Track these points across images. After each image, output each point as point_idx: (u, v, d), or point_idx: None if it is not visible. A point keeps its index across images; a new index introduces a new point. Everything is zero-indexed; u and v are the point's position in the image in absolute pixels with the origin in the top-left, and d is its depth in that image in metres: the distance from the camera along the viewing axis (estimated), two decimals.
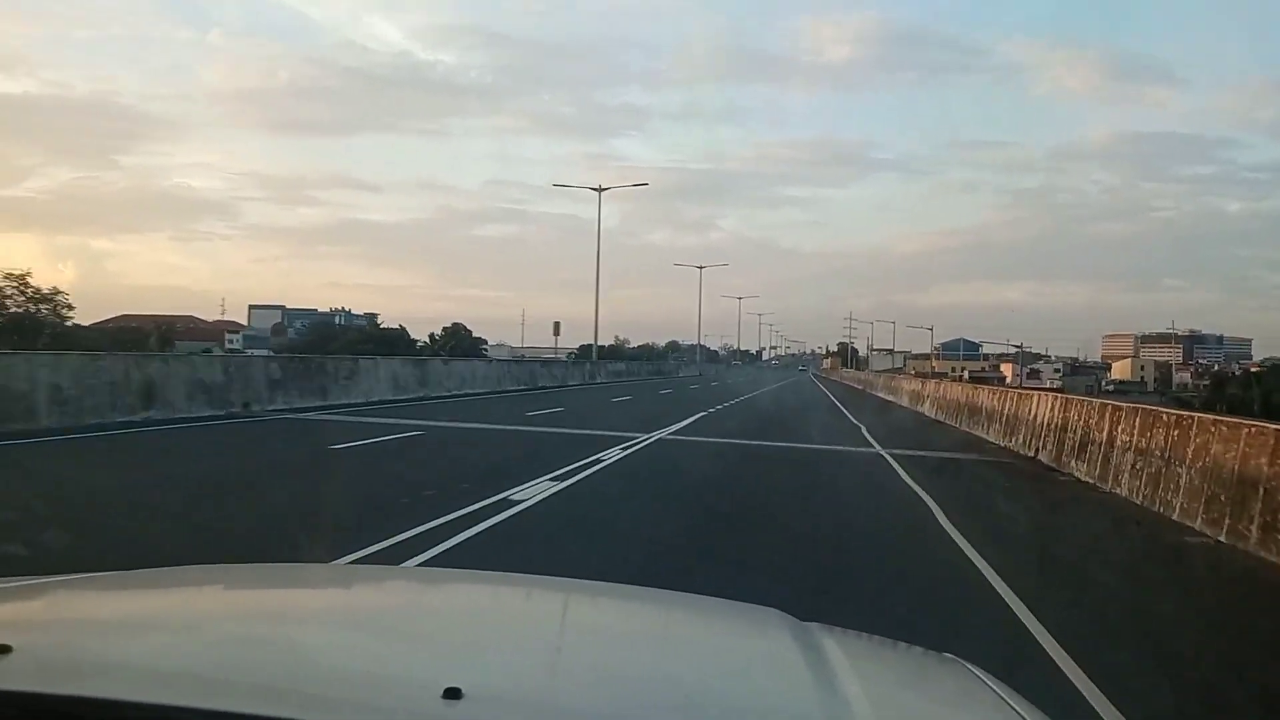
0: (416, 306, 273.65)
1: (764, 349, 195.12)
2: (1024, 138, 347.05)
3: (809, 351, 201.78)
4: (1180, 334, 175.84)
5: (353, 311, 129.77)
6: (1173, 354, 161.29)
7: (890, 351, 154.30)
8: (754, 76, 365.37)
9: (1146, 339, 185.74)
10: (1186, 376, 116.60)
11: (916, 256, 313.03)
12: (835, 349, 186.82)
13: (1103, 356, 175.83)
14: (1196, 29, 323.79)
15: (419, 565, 6.20)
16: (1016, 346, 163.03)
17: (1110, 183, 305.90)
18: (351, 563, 6.11)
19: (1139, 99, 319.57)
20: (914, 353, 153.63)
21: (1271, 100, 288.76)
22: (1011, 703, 1.45)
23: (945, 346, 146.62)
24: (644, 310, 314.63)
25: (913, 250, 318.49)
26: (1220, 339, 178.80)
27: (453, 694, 1.07)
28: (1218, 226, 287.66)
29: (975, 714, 1.48)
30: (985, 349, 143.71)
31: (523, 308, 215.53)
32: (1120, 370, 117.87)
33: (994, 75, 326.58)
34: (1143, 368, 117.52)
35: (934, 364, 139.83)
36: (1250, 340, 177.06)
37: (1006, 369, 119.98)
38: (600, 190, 52.10)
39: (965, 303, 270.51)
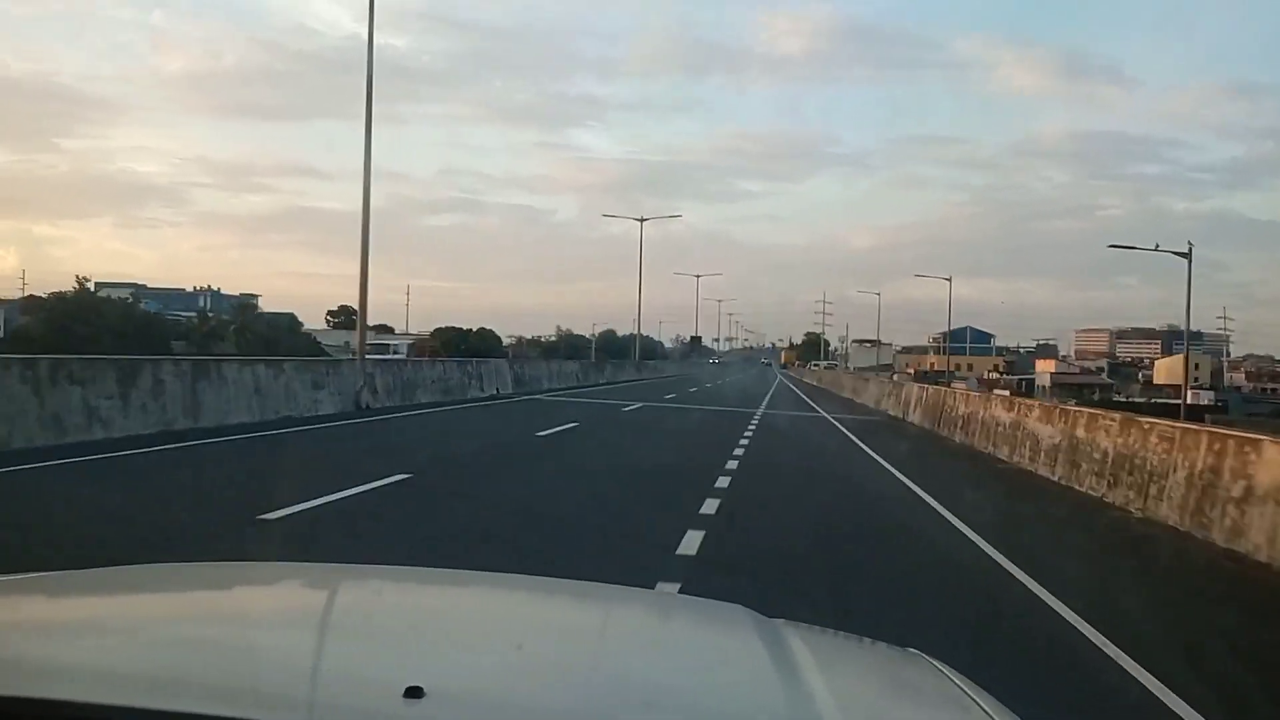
0: (370, 296, 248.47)
1: (699, 337, 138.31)
2: (979, 134, 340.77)
3: (768, 345, 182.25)
4: (1159, 329, 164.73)
5: (222, 291, 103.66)
6: (1150, 349, 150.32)
7: (876, 343, 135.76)
8: (710, 68, 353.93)
9: (1123, 333, 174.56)
10: (1240, 378, 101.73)
11: (873, 251, 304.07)
12: (800, 341, 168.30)
13: (1076, 351, 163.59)
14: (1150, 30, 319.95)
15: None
16: (1041, 340, 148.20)
17: (1062, 180, 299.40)
18: None
19: (1090, 97, 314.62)
20: (901, 346, 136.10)
21: (1217, 101, 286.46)
22: (975, 698, 1.42)
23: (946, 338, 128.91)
24: (602, 302, 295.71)
25: (869, 245, 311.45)
26: (1200, 335, 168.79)
27: (414, 693, 1.04)
28: (1166, 226, 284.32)
29: (940, 709, 1.47)
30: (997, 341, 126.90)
31: (407, 284, 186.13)
32: (1168, 371, 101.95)
33: (949, 71, 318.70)
34: (1196, 365, 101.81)
35: (933, 361, 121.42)
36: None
37: (1047, 366, 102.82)
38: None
39: (925, 297, 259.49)
